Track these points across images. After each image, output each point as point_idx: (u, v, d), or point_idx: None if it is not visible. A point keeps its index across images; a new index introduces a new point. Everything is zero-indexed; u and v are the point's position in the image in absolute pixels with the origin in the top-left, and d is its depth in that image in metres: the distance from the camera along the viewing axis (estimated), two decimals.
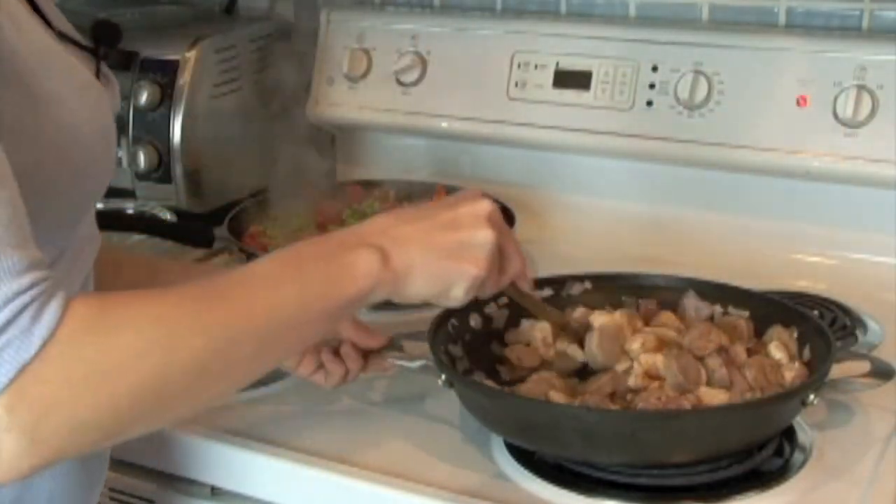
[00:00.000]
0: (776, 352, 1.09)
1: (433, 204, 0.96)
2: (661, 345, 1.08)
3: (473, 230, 0.91)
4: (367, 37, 1.68)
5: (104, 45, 0.95)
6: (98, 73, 0.92)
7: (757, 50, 1.46)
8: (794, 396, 1.01)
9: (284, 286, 0.83)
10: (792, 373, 1.06)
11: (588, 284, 1.21)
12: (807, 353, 1.09)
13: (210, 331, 0.78)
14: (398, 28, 1.66)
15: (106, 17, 0.99)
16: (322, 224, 1.47)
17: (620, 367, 1.09)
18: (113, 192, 1.48)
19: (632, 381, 1.06)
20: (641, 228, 1.55)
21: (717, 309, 1.17)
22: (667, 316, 1.15)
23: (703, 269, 1.24)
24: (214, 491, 1.14)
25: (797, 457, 1.05)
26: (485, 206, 0.93)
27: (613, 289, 1.20)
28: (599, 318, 1.13)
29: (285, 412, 1.15)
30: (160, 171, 1.58)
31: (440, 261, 0.90)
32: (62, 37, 0.90)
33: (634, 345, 1.08)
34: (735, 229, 1.50)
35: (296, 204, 1.50)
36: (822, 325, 1.11)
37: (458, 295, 0.92)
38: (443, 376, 1.05)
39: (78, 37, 0.94)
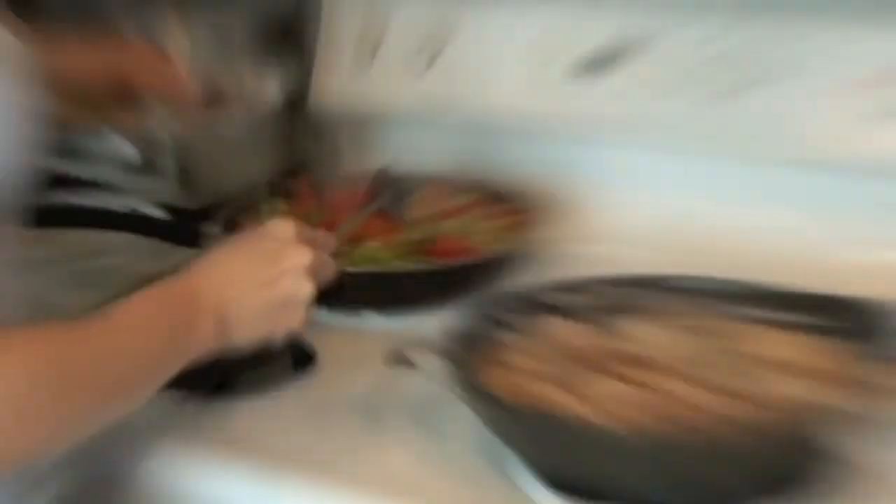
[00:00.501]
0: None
1: (257, 252, 1.00)
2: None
3: (296, 288, 0.99)
4: (376, 16, 1.59)
5: None
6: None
7: (804, 30, 1.36)
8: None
9: (129, 353, 0.88)
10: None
11: (616, 287, 1.13)
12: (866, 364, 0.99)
13: (39, 380, 0.80)
14: (412, 7, 1.56)
15: None
16: (331, 221, 1.37)
17: None
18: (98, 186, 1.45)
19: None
20: (683, 225, 1.45)
21: (765, 314, 1.08)
22: None
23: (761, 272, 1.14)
24: None
25: (851, 481, 0.95)
26: (304, 259, 1.00)
27: (644, 292, 1.12)
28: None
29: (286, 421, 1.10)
30: (150, 164, 1.51)
31: (265, 323, 0.99)
32: None
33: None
34: (794, 227, 1.40)
35: (294, 198, 1.45)
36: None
37: (283, 336, 1.02)
38: (456, 388, 0.98)
39: None
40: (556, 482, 0.96)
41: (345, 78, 1.60)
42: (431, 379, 1.03)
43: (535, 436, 0.96)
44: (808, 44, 1.36)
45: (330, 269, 1.04)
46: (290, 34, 1.66)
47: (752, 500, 0.92)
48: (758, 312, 1.08)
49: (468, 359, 1.03)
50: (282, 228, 1.01)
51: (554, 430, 0.93)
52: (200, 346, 0.94)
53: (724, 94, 1.39)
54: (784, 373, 1.00)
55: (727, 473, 0.91)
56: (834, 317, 1.05)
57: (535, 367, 1.04)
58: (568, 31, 1.47)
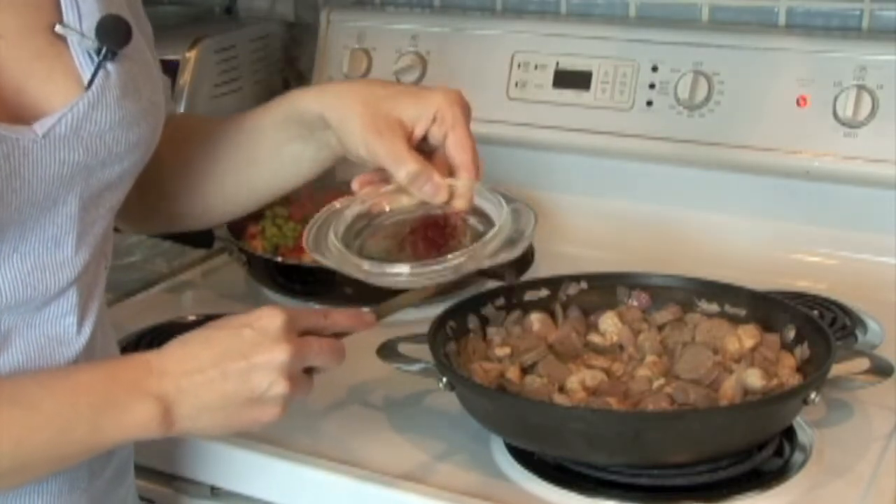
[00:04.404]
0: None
1: (231, 342, 0.89)
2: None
3: (265, 386, 0.88)
4: (367, 37, 1.67)
5: (110, 44, 0.86)
6: (94, 75, 0.85)
7: (757, 50, 1.46)
8: (796, 395, 1.01)
9: (48, 424, 0.83)
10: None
11: (584, 284, 1.21)
12: (806, 351, 1.09)
13: None
14: (398, 28, 1.66)
15: (114, 13, 0.86)
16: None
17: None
18: None
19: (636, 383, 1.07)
20: (641, 228, 1.55)
21: (715, 308, 1.17)
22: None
23: (703, 269, 1.24)
24: (214, 491, 1.13)
25: (797, 456, 1.05)
26: (280, 357, 0.88)
27: (610, 288, 1.21)
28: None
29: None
30: None
31: (226, 417, 0.89)
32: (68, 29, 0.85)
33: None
34: (735, 229, 1.50)
35: (295, 203, 1.47)
36: (821, 324, 1.11)
37: (256, 429, 0.93)
38: (444, 379, 1.06)
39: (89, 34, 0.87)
40: (534, 463, 1.04)
41: None
42: (421, 370, 1.11)
43: (514, 420, 1.03)
44: (768, 61, 1.45)
45: (336, 354, 0.94)
46: None
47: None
48: (714, 307, 1.17)
49: (454, 351, 1.11)
50: (267, 319, 0.89)
51: (533, 414, 1.01)
52: (137, 429, 0.85)
53: (690, 108, 1.48)
54: (736, 361, 1.09)
55: (685, 450, 1.00)
56: (782, 311, 1.14)
57: (514, 357, 1.11)
58: (544, 48, 1.57)
